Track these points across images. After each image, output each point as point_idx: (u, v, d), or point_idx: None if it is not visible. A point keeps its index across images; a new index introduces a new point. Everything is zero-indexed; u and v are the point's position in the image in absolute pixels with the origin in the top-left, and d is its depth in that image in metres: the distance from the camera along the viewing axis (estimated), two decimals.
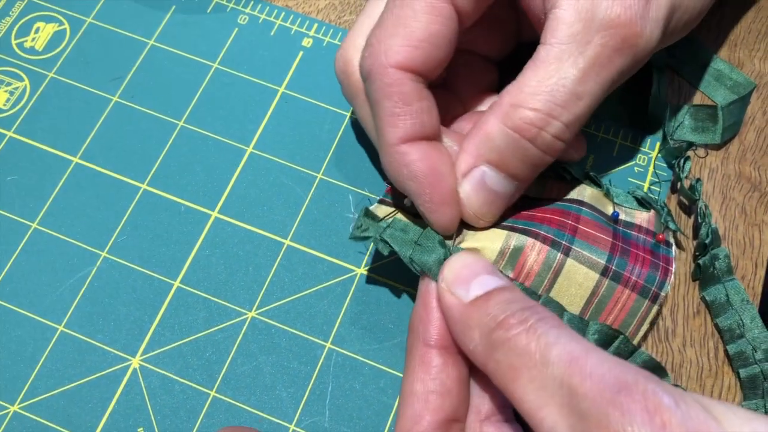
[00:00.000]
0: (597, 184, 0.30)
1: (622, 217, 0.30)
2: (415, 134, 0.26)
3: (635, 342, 0.27)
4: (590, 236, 0.27)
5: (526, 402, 0.20)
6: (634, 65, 0.26)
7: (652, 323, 0.30)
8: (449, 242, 0.27)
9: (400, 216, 0.28)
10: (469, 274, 0.24)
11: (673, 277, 0.28)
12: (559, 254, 0.27)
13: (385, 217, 0.28)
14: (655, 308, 0.27)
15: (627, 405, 0.18)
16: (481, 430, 0.24)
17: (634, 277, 0.27)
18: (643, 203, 0.30)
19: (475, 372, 0.25)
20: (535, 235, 0.27)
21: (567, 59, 0.25)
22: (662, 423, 0.17)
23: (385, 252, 0.27)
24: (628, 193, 0.30)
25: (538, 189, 0.30)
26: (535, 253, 0.27)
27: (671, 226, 0.29)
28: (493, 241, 0.27)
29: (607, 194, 0.30)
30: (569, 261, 0.27)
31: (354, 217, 0.28)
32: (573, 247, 0.27)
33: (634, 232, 0.29)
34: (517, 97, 0.25)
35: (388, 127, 0.26)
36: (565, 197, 0.29)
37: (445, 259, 0.26)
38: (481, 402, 0.25)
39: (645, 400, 0.18)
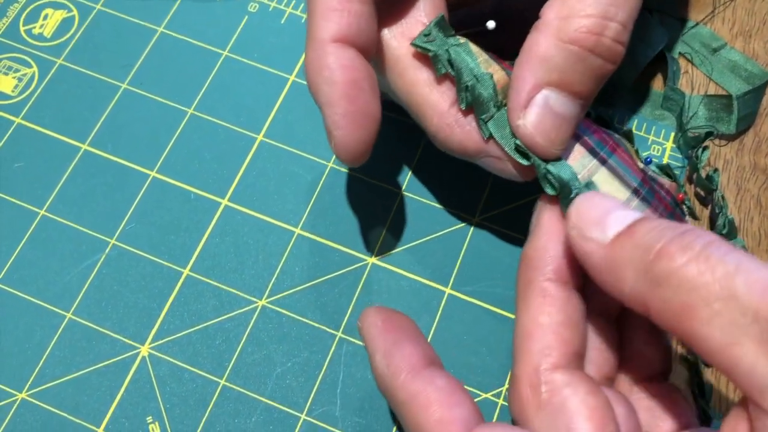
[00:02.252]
0: (630, 141, 0.30)
1: (649, 173, 0.29)
2: (350, 36, 0.24)
3: None
4: (626, 160, 0.27)
5: (711, 340, 0.18)
6: None
7: None
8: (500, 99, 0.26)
9: (472, 45, 0.26)
10: (601, 213, 0.22)
11: None
12: (594, 160, 0.25)
13: (457, 34, 0.26)
14: None
15: None
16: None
17: (659, 212, 0.26)
18: (666, 172, 0.30)
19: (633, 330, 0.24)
20: (576, 137, 0.26)
21: None
22: None
23: (442, 71, 0.26)
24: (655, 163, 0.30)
25: None
26: (571, 152, 0.26)
27: (687, 202, 0.29)
28: None
29: (637, 153, 0.29)
30: (603, 169, 0.26)
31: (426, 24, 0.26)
32: (609, 161, 0.26)
33: (657, 186, 0.28)
34: (565, 9, 0.23)
35: (321, 20, 0.24)
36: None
37: (496, 107, 0.25)
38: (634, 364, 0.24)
39: None
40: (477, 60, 0.26)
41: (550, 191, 0.25)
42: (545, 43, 0.23)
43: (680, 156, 0.33)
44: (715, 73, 0.35)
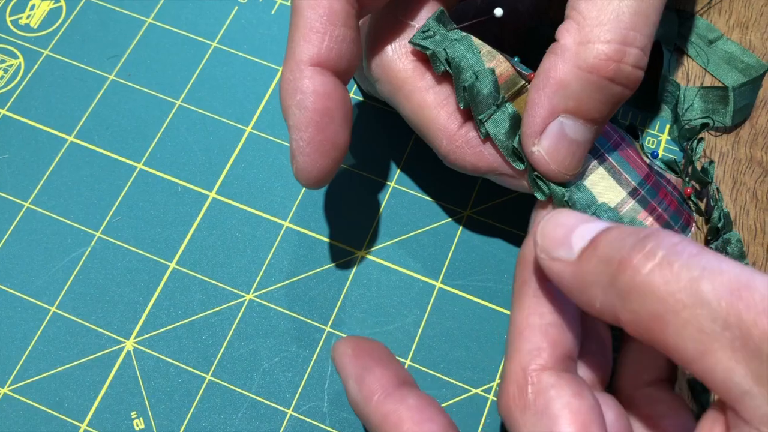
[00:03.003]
0: (635, 136, 0.29)
1: (655, 167, 0.29)
2: (329, 61, 0.23)
3: None
4: (629, 156, 0.26)
5: (685, 350, 0.17)
6: None
7: None
8: (502, 94, 0.25)
9: (474, 38, 0.26)
10: (565, 232, 0.21)
11: (694, 228, 0.27)
12: (593, 159, 0.25)
13: (458, 28, 0.26)
14: None
15: None
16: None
17: (660, 209, 0.25)
18: (672, 168, 0.29)
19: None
20: None
21: None
22: None
23: (441, 69, 0.25)
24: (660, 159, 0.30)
25: None
26: None
27: (693, 198, 0.28)
28: None
29: (642, 148, 0.29)
30: (600, 169, 0.25)
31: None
32: (610, 158, 0.25)
33: (663, 181, 0.28)
34: (583, 34, 0.22)
35: (303, 40, 0.23)
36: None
37: (495, 104, 0.25)
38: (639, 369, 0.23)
39: None
40: (479, 54, 0.25)
41: (539, 196, 0.25)
42: (563, 70, 0.23)
43: (676, 149, 0.32)
44: (711, 65, 0.34)
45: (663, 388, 0.23)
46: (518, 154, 0.25)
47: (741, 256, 0.29)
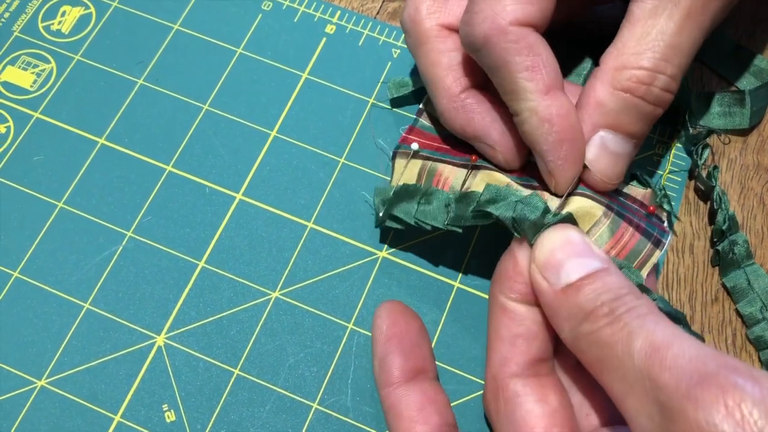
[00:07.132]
0: None
1: (619, 186, 0.30)
2: (555, 83, 0.25)
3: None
4: (591, 187, 0.28)
5: (613, 391, 0.21)
6: (727, 6, 0.26)
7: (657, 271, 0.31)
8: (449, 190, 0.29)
9: (405, 178, 0.30)
10: (561, 258, 0.24)
11: (670, 236, 0.28)
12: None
13: (397, 182, 0.30)
14: (657, 252, 0.27)
15: (703, 399, 0.18)
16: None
17: (636, 220, 0.27)
18: (640, 181, 0.31)
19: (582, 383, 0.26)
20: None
21: (662, 13, 0.25)
22: (742, 417, 0.17)
23: (401, 226, 0.29)
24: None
25: None
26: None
27: (665, 206, 0.30)
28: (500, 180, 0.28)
29: None
30: (574, 197, 0.27)
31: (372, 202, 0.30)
32: (578, 189, 0.28)
33: (629, 201, 0.29)
34: (620, 60, 0.26)
35: (527, 81, 0.25)
36: None
37: (446, 206, 0.28)
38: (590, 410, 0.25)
39: (724, 394, 0.18)
40: (420, 187, 0.29)
41: (516, 234, 0.26)
42: (601, 90, 0.26)
43: (685, 154, 0.33)
44: (724, 70, 0.35)
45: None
46: (456, 224, 0.28)
47: (748, 256, 0.30)
